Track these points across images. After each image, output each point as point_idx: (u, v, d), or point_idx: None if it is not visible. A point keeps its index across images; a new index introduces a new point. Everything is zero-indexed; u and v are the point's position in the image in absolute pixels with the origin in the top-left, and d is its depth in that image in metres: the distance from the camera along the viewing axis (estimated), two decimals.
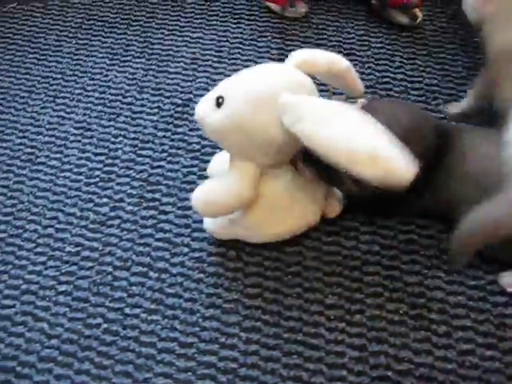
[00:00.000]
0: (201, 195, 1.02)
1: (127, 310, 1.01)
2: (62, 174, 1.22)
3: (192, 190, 1.06)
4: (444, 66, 1.35)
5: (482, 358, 0.93)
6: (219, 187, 1.01)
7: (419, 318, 0.97)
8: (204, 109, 1.01)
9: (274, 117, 0.93)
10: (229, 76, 1.04)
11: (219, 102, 0.97)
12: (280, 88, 0.94)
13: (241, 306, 1.00)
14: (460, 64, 1.35)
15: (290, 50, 1.38)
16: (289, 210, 1.02)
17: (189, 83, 1.36)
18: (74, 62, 1.43)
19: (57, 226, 1.14)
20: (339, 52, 1.38)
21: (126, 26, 1.50)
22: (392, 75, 1.34)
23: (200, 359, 0.95)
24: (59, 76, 1.41)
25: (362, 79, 1.32)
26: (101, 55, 1.43)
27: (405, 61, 1.36)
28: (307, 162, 0.99)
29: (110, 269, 1.07)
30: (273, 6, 1.49)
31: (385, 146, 0.85)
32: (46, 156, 1.25)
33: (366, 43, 1.41)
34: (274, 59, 1.38)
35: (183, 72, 1.38)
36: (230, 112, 0.96)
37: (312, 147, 0.88)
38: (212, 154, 1.20)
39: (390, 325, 0.97)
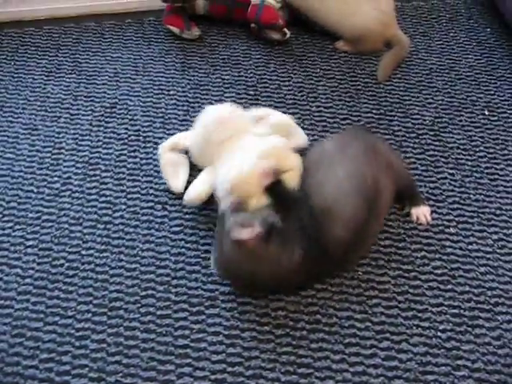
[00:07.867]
0: None
1: (83, 252, 1.35)
2: (17, 163, 1.53)
3: (124, 167, 1.42)
4: (306, 69, 1.80)
5: None
6: None
7: None
8: None
9: None
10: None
11: None
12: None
13: None
14: (318, 67, 1.80)
15: (191, 64, 1.79)
16: None
17: (114, 91, 1.72)
18: (15, 79, 1.74)
19: (18, 200, 1.45)
20: (228, 63, 1.80)
21: (56, 50, 1.83)
22: (268, 77, 1.77)
23: None
24: (3, 90, 1.72)
25: (246, 81, 1.74)
26: (38, 73, 1.76)
27: (277, 66, 1.80)
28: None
29: (66, 226, 1.40)
30: (173, 28, 1.87)
31: None
32: (1, 151, 1.56)
33: (248, 55, 1.84)
34: (178, 70, 1.77)
35: (108, 83, 1.74)
36: None
37: None
38: (136, 140, 1.58)
39: None
